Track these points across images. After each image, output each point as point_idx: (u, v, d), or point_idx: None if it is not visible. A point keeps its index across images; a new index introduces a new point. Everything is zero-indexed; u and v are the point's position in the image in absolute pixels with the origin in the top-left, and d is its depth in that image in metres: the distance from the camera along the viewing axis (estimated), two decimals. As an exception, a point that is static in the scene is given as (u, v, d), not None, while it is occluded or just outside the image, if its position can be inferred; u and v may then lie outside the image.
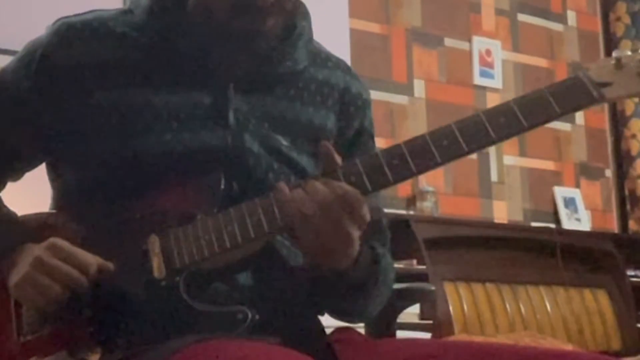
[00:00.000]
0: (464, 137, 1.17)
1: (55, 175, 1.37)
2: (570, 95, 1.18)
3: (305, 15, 1.39)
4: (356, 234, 1.18)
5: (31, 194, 1.60)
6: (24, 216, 1.34)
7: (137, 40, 1.30)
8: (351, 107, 1.41)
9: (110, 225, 1.26)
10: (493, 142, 1.18)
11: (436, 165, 1.19)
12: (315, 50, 1.41)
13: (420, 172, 1.20)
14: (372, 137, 1.45)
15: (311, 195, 1.15)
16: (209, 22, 1.28)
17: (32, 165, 1.40)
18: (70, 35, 1.31)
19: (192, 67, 1.30)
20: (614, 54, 1.20)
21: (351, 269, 1.23)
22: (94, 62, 1.29)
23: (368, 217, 1.18)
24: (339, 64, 1.44)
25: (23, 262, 1.22)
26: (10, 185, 1.41)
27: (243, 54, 1.31)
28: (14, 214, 1.34)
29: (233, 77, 1.30)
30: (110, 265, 1.22)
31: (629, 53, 1.20)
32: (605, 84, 1.18)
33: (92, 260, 1.21)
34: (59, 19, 1.34)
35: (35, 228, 1.30)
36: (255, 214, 1.19)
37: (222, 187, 1.23)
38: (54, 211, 1.36)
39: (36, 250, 1.22)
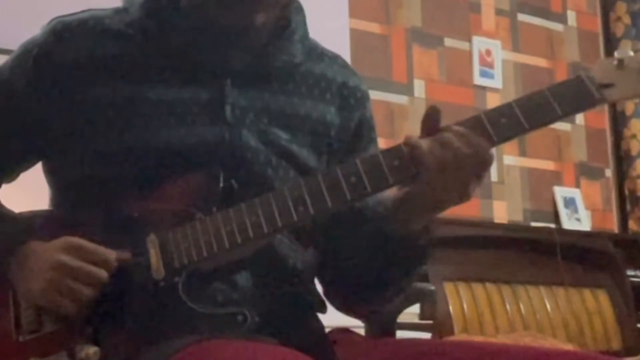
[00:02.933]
0: None
1: (51, 173, 1.37)
2: (572, 97, 1.17)
3: (299, 10, 1.39)
4: (473, 191, 1.18)
5: (28, 192, 1.59)
6: (21, 214, 1.33)
7: (132, 37, 1.31)
8: (351, 99, 1.42)
9: (108, 224, 1.25)
10: (494, 144, 1.18)
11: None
12: (312, 46, 1.41)
13: None
14: (373, 128, 1.46)
15: (446, 146, 1.15)
16: (201, 18, 1.28)
17: (27, 165, 1.39)
18: (66, 33, 1.31)
19: (188, 63, 1.30)
20: (616, 54, 1.19)
21: (417, 235, 1.24)
22: (90, 59, 1.29)
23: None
24: (336, 59, 1.45)
25: (40, 267, 1.20)
26: (7, 184, 1.40)
27: (236, 49, 1.31)
28: (12, 212, 1.34)
29: (230, 72, 1.31)
30: (127, 254, 1.21)
31: (631, 53, 1.19)
32: (607, 85, 1.17)
33: (110, 253, 1.20)
34: (53, 18, 1.35)
35: (35, 226, 1.29)
36: (255, 214, 1.18)
37: (221, 183, 1.23)
38: (50, 209, 1.36)
39: (52, 253, 1.20)
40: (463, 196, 1.18)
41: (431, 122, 1.19)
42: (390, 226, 1.25)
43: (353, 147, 1.39)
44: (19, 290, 1.24)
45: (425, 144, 1.16)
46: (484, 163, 1.17)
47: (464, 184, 1.17)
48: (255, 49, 1.32)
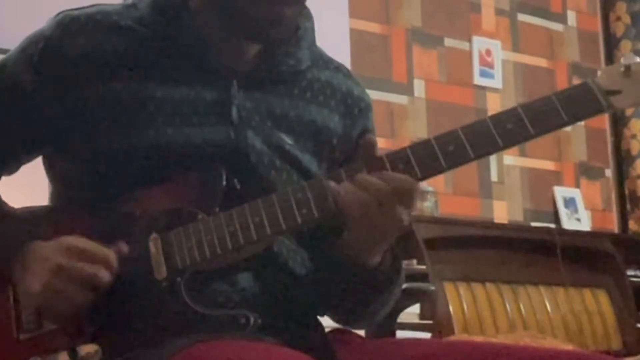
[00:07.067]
0: (470, 143, 1.16)
1: (53, 169, 1.36)
2: (578, 103, 1.16)
3: (309, 17, 1.39)
4: (407, 220, 1.19)
5: (27, 190, 1.59)
6: (21, 210, 1.33)
7: (141, 34, 1.30)
8: (355, 109, 1.42)
9: (110, 222, 1.25)
10: (500, 149, 1.17)
11: (441, 171, 1.19)
12: (318, 53, 1.41)
13: (425, 177, 1.20)
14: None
15: (365, 188, 1.16)
16: (211, 18, 1.28)
17: (29, 158, 1.38)
18: (74, 27, 1.30)
19: (195, 62, 1.30)
20: (623, 60, 1.18)
21: (377, 267, 1.24)
22: (97, 54, 1.29)
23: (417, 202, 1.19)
24: (340, 68, 1.45)
25: (39, 268, 1.19)
26: (6, 179, 1.40)
27: (245, 52, 1.31)
28: (13, 209, 1.34)
29: (236, 74, 1.31)
30: (124, 246, 1.21)
31: (638, 60, 1.18)
32: (614, 92, 1.16)
33: (109, 252, 1.19)
34: (61, 12, 1.34)
35: (37, 224, 1.28)
36: (258, 215, 1.18)
37: (224, 183, 1.23)
38: (51, 205, 1.36)
39: (51, 254, 1.19)
40: (399, 227, 1.19)
41: (367, 151, 1.20)
42: (341, 259, 1.24)
43: (354, 157, 1.39)
44: (19, 289, 1.24)
45: (345, 188, 1.17)
46: (409, 195, 1.17)
47: (395, 218, 1.17)
48: (264, 53, 1.32)
